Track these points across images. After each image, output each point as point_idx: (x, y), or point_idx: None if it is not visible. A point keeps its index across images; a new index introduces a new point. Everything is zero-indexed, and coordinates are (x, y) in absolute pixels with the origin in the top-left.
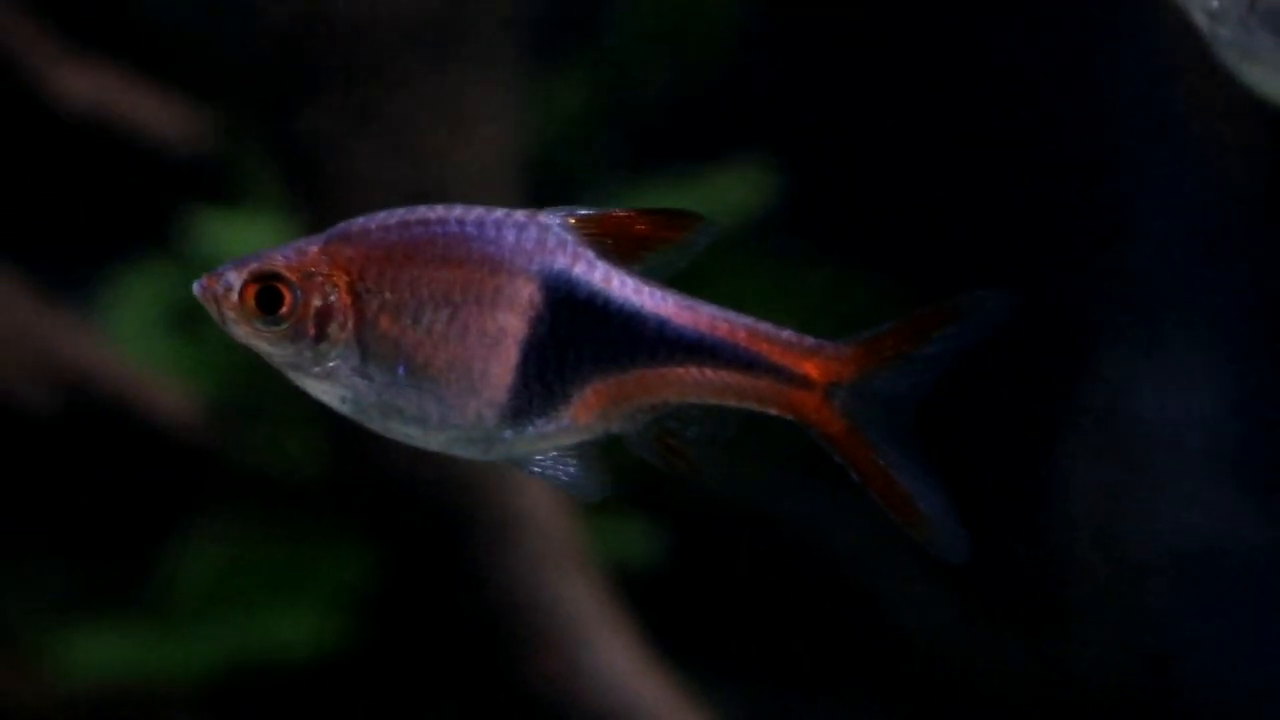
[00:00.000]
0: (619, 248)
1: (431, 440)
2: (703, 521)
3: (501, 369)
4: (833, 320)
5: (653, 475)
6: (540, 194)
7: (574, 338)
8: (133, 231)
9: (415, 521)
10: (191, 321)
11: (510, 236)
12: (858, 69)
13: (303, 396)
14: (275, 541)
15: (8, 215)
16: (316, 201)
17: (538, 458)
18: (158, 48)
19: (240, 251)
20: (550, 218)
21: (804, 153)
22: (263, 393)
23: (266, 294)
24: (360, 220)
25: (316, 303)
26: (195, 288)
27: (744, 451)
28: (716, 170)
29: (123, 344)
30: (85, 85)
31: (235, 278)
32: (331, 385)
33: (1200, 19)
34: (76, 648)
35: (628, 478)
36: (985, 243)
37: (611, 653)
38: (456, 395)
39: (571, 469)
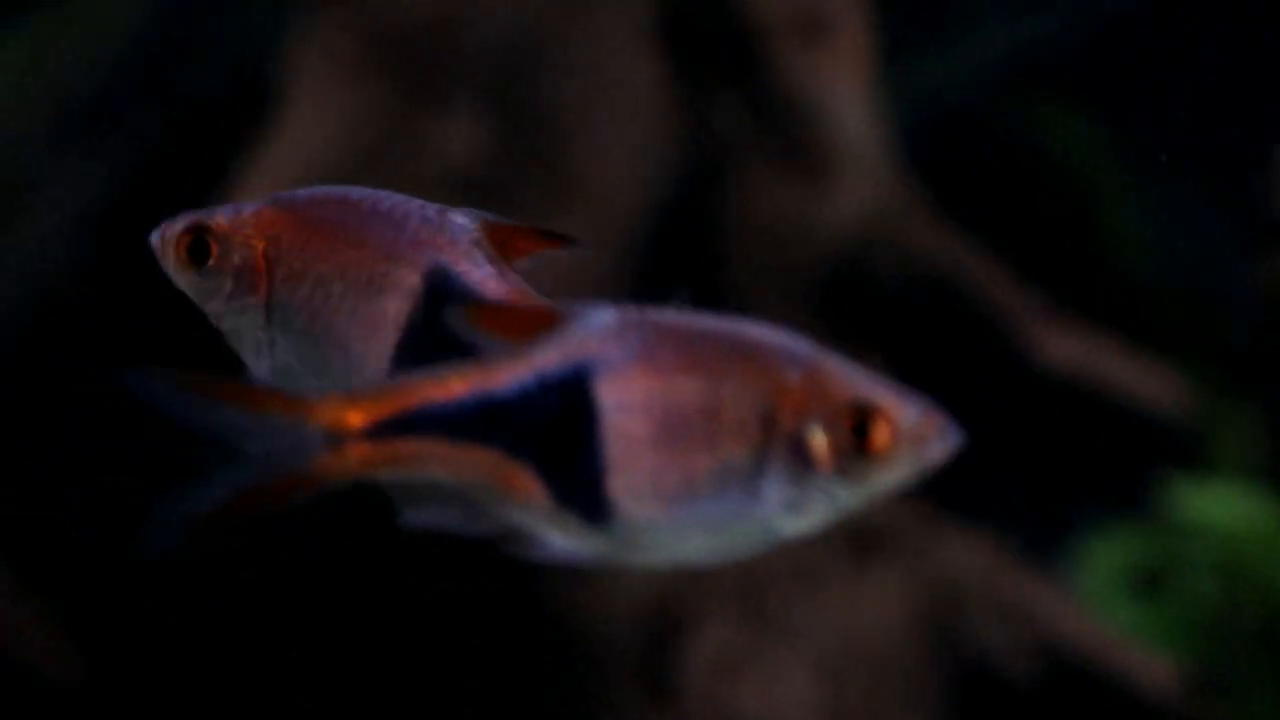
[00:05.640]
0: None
1: None
2: None
3: (377, 355)
4: None
5: None
6: None
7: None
8: (1105, 496)
9: None
10: (1158, 587)
11: (410, 226)
12: None
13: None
14: None
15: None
16: None
17: None
18: (1141, 309)
19: (1217, 522)
20: (458, 216)
21: None
22: (1234, 662)
23: (196, 246)
24: (303, 191)
25: (236, 260)
26: (153, 237)
27: None
28: None
29: (1089, 608)
30: (1069, 349)
31: (172, 229)
32: (245, 344)
33: None
34: None
35: None
36: None
37: None
38: (340, 374)
39: None
